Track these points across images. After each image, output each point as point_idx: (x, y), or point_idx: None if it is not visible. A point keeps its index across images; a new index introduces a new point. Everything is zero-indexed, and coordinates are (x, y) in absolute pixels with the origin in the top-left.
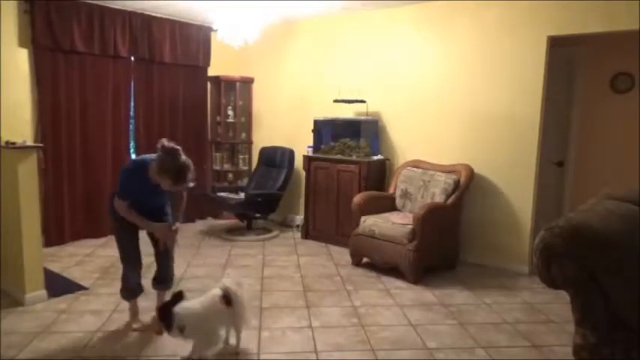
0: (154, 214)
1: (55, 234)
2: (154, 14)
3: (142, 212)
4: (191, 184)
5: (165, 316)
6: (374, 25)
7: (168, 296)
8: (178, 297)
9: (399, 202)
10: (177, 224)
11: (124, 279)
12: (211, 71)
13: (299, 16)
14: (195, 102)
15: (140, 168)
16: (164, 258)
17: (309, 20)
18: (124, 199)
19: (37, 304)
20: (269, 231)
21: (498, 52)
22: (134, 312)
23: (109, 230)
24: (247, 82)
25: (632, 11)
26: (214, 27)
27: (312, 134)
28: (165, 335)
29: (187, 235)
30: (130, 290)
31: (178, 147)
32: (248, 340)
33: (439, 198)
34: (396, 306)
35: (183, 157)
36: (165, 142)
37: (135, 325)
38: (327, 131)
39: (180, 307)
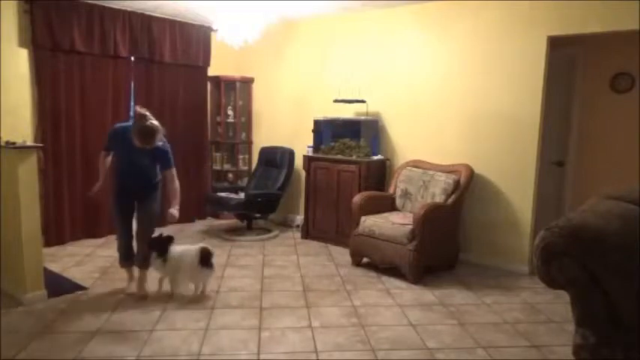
0: (140, 179)
1: (55, 234)
2: (154, 14)
3: (130, 170)
4: (160, 143)
5: (160, 246)
6: (374, 25)
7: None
8: (171, 239)
9: (399, 202)
10: (175, 210)
11: (118, 248)
12: (211, 71)
13: (299, 16)
14: (195, 102)
15: (126, 130)
16: (140, 235)
17: (309, 20)
18: (105, 147)
19: (37, 304)
20: (269, 231)
21: (498, 52)
22: (130, 278)
23: (109, 230)
24: (247, 82)
25: (632, 11)
26: (214, 27)
27: (312, 134)
28: (166, 335)
29: (187, 234)
30: (124, 259)
31: (146, 113)
32: (248, 340)
33: (439, 198)
34: (396, 306)
35: (149, 122)
36: (137, 108)
37: (128, 291)
38: (327, 131)
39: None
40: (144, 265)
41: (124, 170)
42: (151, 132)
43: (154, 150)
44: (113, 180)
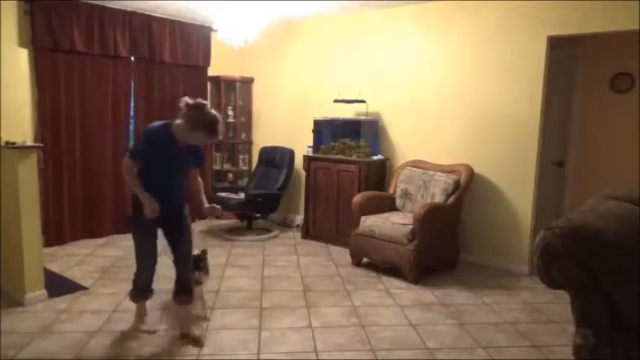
0: (177, 192)
1: (55, 234)
2: (154, 14)
3: (166, 182)
4: (221, 137)
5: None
6: (374, 25)
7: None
8: (205, 252)
9: (399, 202)
10: (218, 206)
11: (136, 279)
12: (211, 71)
13: (299, 16)
14: None
15: (167, 129)
16: (182, 264)
17: (309, 20)
18: (134, 156)
19: (37, 304)
20: (269, 231)
21: (498, 52)
22: (141, 314)
23: (109, 230)
24: (247, 82)
25: (632, 11)
26: (214, 27)
27: (312, 134)
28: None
29: None
30: (141, 292)
31: (205, 102)
32: (248, 340)
33: (439, 198)
34: (396, 306)
35: (213, 110)
36: (188, 99)
37: (143, 327)
38: (327, 131)
39: None
40: (189, 299)
41: (159, 183)
42: (218, 121)
43: (195, 148)
44: (137, 210)
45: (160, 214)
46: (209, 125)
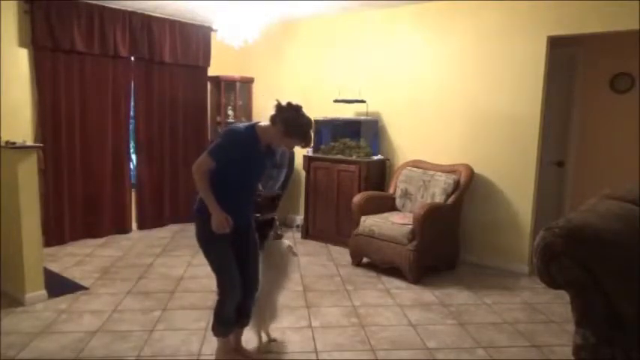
0: (251, 202)
1: (55, 234)
2: (154, 14)
3: (244, 193)
4: (312, 144)
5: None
6: (374, 25)
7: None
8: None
9: (399, 202)
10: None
11: (223, 308)
12: (211, 71)
13: (299, 16)
14: (195, 102)
15: (252, 132)
16: (251, 285)
17: (309, 20)
18: (216, 158)
19: (37, 304)
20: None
21: (498, 52)
22: (229, 349)
23: (109, 230)
24: (247, 82)
25: (632, 11)
26: (214, 27)
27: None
28: (166, 335)
29: (187, 235)
30: (232, 323)
31: (300, 104)
32: (248, 341)
33: (439, 198)
34: (396, 306)
35: (307, 114)
36: (282, 101)
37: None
38: (327, 131)
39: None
40: (249, 321)
41: (234, 190)
42: (312, 126)
43: (272, 152)
44: (207, 223)
45: (239, 223)
46: (306, 130)
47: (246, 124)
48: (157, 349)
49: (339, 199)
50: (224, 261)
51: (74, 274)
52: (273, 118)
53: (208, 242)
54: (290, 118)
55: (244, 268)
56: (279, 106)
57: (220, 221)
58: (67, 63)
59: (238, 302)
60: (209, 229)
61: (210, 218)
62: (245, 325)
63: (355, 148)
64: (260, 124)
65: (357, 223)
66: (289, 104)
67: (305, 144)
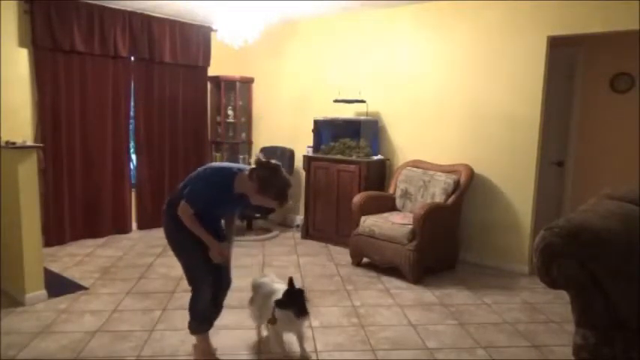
0: (214, 230)
1: (55, 234)
2: (153, 14)
3: (205, 224)
4: (291, 202)
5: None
6: (374, 25)
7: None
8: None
9: (399, 202)
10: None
11: (197, 304)
12: (211, 71)
13: (299, 16)
14: (195, 102)
15: (228, 182)
16: (224, 290)
17: (308, 20)
18: (194, 206)
19: (37, 304)
20: (269, 231)
21: (498, 52)
22: (207, 350)
23: (109, 230)
24: (247, 82)
25: (632, 11)
26: (214, 27)
27: (312, 134)
28: (166, 335)
29: None
30: (207, 318)
31: (279, 163)
32: (248, 340)
33: (439, 198)
34: (396, 306)
35: (286, 174)
36: (262, 157)
37: None
38: (327, 131)
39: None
40: (219, 310)
41: (207, 220)
42: (291, 186)
43: (247, 201)
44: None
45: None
46: (281, 192)
47: (230, 168)
48: (157, 349)
49: (339, 199)
50: (194, 257)
51: (74, 274)
52: (250, 173)
53: (179, 241)
54: (266, 177)
55: (220, 274)
56: (258, 162)
57: (219, 252)
58: (67, 63)
59: (212, 296)
60: (180, 232)
61: (186, 228)
62: (217, 315)
63: (355, 148)
64: (242, 173)
65: (357, 223)
66: (268, 163)
67: (279, 204)
